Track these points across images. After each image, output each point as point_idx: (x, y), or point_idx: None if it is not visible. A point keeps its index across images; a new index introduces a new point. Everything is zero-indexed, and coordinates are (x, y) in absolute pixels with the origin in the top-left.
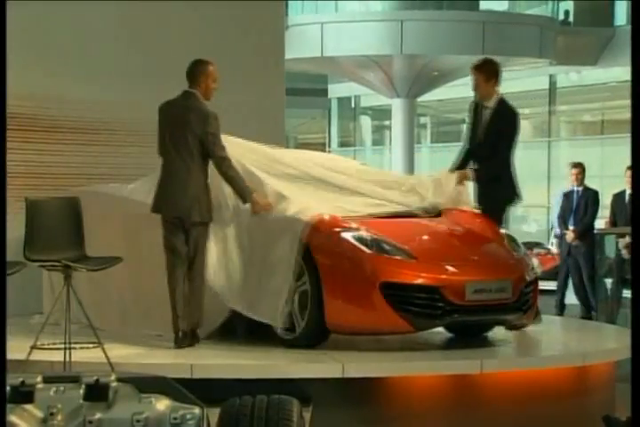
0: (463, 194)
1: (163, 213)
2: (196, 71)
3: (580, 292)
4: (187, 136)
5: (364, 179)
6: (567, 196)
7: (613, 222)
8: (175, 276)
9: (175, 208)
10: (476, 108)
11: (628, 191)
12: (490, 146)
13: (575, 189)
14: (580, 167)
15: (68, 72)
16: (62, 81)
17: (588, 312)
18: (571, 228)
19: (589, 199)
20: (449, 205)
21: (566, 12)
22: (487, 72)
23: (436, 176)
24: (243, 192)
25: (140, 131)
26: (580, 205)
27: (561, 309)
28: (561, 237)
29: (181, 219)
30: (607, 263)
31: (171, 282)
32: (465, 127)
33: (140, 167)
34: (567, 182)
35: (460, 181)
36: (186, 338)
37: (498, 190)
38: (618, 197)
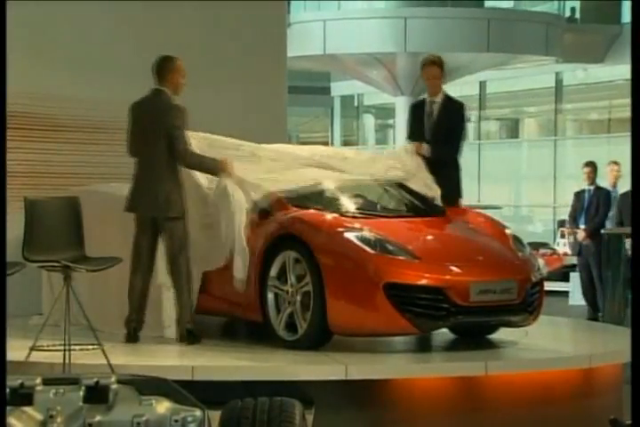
0: (421, 167)
1: (138, 212)
2: (165, 68)
3: (589, 292)
4: (157, 134)
5: (322, 154)
6: (578, 195)
7: (620, 222)
8: (136, 274)
9: (150, 207)
10: (422, 104)
11: (587, 188)
12: (438, 141)
13: (587, 188)
14: (591, 166)
15: (68, 71)
16: (63, 79)
17: (594, 313)
18: (581, 227)
19: (601, 199)
20: (409, 178)
21: (573, 9)
22: (440, 68)
23: (393, 150)
24: (213, 168)
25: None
26: (592, 205)
27: (594, 309)
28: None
29: (155, 218)
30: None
31: (131, 280)
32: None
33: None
34: (580, 182)
35: (417, 152)
36: (188, 338)
37: (450, 178)
38: (625, 196)
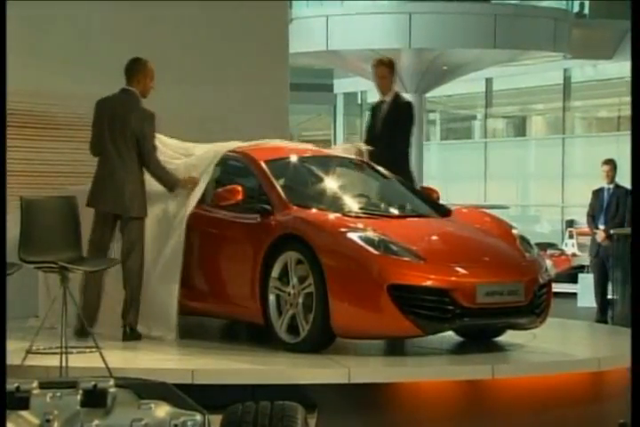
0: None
1: (98, 207)
2: (134, 69)
3: (599, 294)
4: (126, 134)
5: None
6: (597, 193)
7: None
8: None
9: (113, 204)
10: (378, 105)
11: (606, 187)
12: (387, 137)
13: (605, 186)
14: (611, 164)
15: (67, 68)
16: (61, 77)
17: (603, 316)
18: (601, 227)
19: (621, 198)
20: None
21: (581, 4)
22: (391, 67)
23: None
24: (171, 183)
25: None
26: (612, 204)
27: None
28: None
29: (116, 215)
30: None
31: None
32: (473, 123)
33: None
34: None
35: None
36: (131, 335)
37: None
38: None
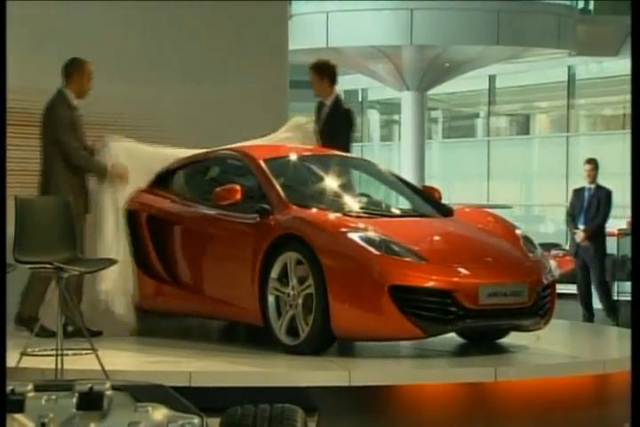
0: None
1: None
2: (71, 70)
3: (583, 296)
4: (47, 135)
5: None
6: (577, 193)
7: None
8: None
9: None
10: (320, 106)
11: (587, 186)
12: (327, 142)
13: (587, 186)
14: (592, 163)
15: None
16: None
17: (590, 318)
18: (581, 227)
19: (602, 198)
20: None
21: (586, 0)
22: (321, 71)
23: None
24: (98, 171)
25: (137, 126)
26: (592, 204)
27: (590, 314)
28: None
29: None
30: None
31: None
32: (475, 122)
33: None
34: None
35: None
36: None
37: None
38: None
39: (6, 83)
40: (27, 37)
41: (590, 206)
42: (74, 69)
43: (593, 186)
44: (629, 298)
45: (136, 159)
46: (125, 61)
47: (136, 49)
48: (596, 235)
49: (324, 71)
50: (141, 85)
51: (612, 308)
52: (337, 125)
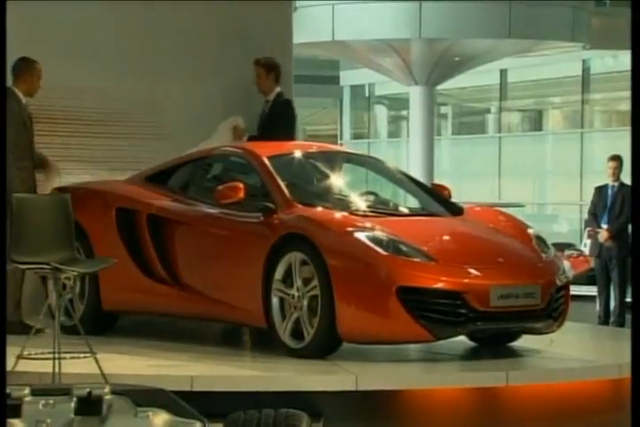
0: None
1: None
2: (20, 69)
3: (602, 296)
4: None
5: None
6: (600, 190)
7: None
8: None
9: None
10: (263, 104)
11: (611, 184)
12: (266, 136)
13: (610, 184)
14: (617, 160)
15: (81, 62)
16: (66, 71)
17: (606, 320)
18: (604, 226)
19: (626, 196)
20: None
21: None
22: (265, 67)
23: None
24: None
25: (136, 123)
26: (616, 203)
27: (606, 318)
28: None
29: None
30: None
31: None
32: (486, 117)
33: (141, 162)
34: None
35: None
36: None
37: None
38: None
39: (6, 83)
40: (27, 37)
41: (614, 205)
42: (23, 69)
43: (617, 184)
44: None
45: None
46: (125, 58)
47: (136, 44)
48: (621, 234)
49: (272, 69)
50: (140, 82)
51: (624, 309)
52: (276, 117)
